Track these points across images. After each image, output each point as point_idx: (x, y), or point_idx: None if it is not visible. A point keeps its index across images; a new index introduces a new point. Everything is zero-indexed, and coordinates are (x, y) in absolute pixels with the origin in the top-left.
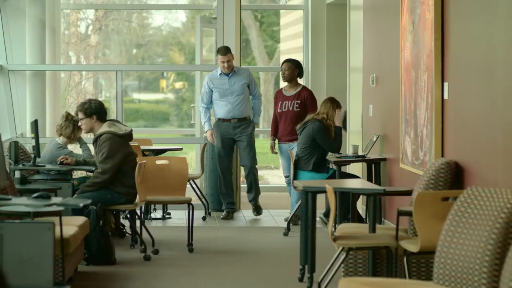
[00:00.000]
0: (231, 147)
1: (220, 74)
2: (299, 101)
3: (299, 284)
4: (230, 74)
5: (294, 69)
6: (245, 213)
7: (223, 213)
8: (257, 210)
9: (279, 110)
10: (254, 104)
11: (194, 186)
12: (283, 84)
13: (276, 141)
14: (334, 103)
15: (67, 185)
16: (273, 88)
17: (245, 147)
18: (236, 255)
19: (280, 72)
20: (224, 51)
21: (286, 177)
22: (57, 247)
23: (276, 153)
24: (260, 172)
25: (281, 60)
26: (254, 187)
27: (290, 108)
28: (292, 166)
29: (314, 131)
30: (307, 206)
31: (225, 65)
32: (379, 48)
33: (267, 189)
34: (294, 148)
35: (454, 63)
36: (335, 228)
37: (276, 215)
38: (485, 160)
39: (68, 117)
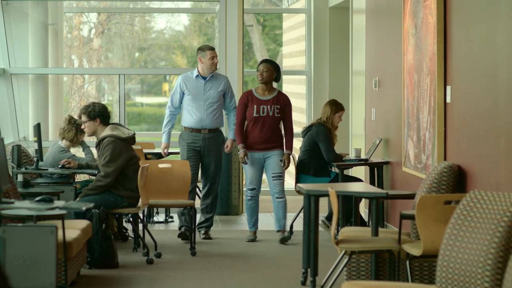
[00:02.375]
0: (198, 161)
1: (197, 76)
2: (279, 106)
3: None
4: (207, 78)
5: (272, 71)
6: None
7: (202, 233)
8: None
9: (255, 114)
10: (231, 116)
11: (196, 189)
12: (287, 87)
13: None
14: (334, 105)
15: (70, 188)
16: None
17: (211, 161)
18: (238, 259)
19: (257, 73)
20: (212, 46)
21: (251, 189)
22: (59, 251)
23: (247, 162)
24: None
25: (284, 64)
26: (211, 211)
27: (271, 113)
28: (294, 169)
29: (316, 134)
30: (310, 209)
31: (215, 60)
32: (381, 52)
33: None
34: (271, 157)
35: (457, 66)
36: (337, 232)
37: None
38: (487, 164)
39: (71, 120)
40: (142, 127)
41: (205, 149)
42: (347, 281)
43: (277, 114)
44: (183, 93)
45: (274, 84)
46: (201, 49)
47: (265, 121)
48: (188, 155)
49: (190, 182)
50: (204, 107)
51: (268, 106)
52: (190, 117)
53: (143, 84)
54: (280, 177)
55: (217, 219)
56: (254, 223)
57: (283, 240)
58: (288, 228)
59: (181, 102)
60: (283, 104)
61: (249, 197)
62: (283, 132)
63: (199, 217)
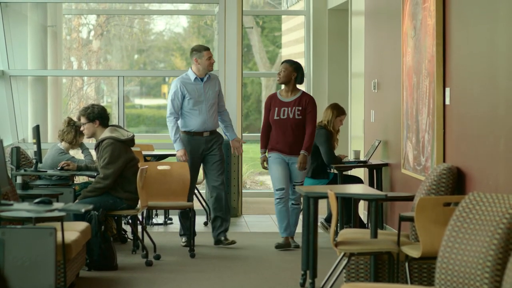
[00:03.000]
0: (199, 166)
1: (195, 78)
2: (300, 108)
3: None
4: (205, 79)
5: (291, 71)
6: (247, 218)
7: (182, 240)
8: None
9: (275, 117)
10: (225, 116)
11: (195, 191)
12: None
13: (267, 153)
14: (336, 109)
15: (69, 190)
16: None
17: (216, 162)
18: (238, 260)
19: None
20: (207, 46)
21: (280, 190)
22: (58, 253)
23: (267, 168)
24: (261, 178)
25: None
26: (226, 214)
27: (291, 116)
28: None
29: (316, 137)
30: (309, 211)
31: (212, 60)
32: (380, 54)
33: (268, 194)
34: (295, 164)
35: (456, 68)
36: (336, 234)
37: None
38: (487, 166)
39: (70, 122)
40: (141, 129)
41: (208, 151)
42: (346, 283)
43: (298, 117)
44: (184, 97)
45: (301, 86)
46: (195, 49)
47: (286, 124)
48: (190, 162)
49: (189, 184)
50: (206, 109)
51: (289, 108)
52: (191, 121)
53: (142, 86)
54: (302, 185)
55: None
56: (285, 227)
57: (282, 247)
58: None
59: (181, 106)
60: (305, 105)
61: (278, 199)
62: None
63: (200, 219)
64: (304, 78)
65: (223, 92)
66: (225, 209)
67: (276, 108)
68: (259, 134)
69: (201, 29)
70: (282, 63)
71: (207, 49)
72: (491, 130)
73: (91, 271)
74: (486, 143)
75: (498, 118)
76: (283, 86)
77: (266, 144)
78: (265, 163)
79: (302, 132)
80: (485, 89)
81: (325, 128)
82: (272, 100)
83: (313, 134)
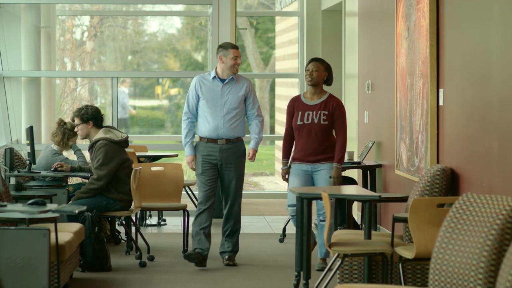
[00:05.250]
0: (216, 176)
1: (214, 77)
2: (326, 112)
3: None
4: (226, 81)
5: (323, 71)
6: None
7: (226, 258)
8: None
9: (299, 122)
10: (253, 125)
11: (189, 192)
12: (280, 90)
13: (290, 163)
14: None
15: (62, 191)
16: (269, 95)
17: (232, 177)
18: None
19: (305, 74)
20: (235, 45)
21: (290, 206)
22: (52, 254)
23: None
24: (255, 179)
25: (277, 67)
26: (235, 238)
27: (316, 120)
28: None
29: None
30: (303, 212)
31: (238, 61)
32: (374, 55)
33: (262, 196)
34: (320, 173)
35: (449, 69)
36: (330, 235)
37: (272, 221)
38: (480, 167)
39: (60, 124)
40: (134, 130)
41: (223, 162)
42: (340, 284)
43: (323, 121)
44: (199, 97)
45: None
46: (222, 47)
47: (310, 129)
48: (203, 169)
49: (182, 185)
50: (221, 114)
51: (314, 112)
52: (204, 125)
53: (135, 87)
54: None
55: (212, 221)
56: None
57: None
58: (281, 231)
59: (197, 106)
60: (332, 109)
61: (291, 216)
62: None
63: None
64: (298, 79)
65: None
66: (232, 231)
67: (300, 112)
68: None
69: (195, 30)
70: (311, 61)
71: (235, 47)
72: (485, 131)
73: (84, 272)
74: (480, 144)
75: (491, 119)
76: (308, 88)
77: (288, 154)
78: (286, 175)
79: (327, 139)
80: (478, 90)
81: None
82: (295, 103)
83: (344, 144)
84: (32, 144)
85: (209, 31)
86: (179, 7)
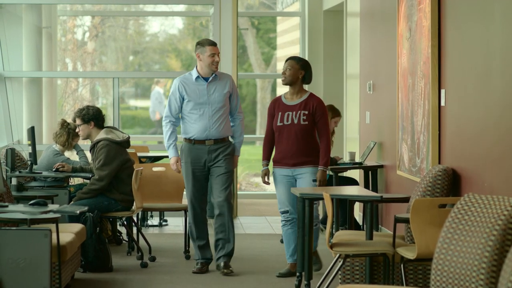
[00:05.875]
0: (206, 178)
1: (197, 77)
2: (306, 112)
3: None
4: (210, 79)
5: (298, 69)
6: (242, 220)
7: (196, 266)
8: (227, 268)
9: (279, 123)
10: (236, 126)
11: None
12: (281, 91)
13: (271, 166)
14: (330, 111)
15: (64, 192)
16: (270, 96)
17: (221, 175)
18: (233, 262)
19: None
20: (213, 41)
21: (284, 212)
22: (53, 254)
23: (268, 183)
24: (255, 179)
25: (278, 67)
26: (230, 237)
27: (296, 121)
28: None
29: None
30: (304, 213)
31: (216, 58)
32: (376, 55)
33: (263, 196)
34: (302, 176)
35: (451, 70)
36: (332, 235)
37: (273, 222)
38: (482, 167)
39: (63, 124)
40: (136, 130)
41: (212, 161)
42: (342, 284)
43: (303, 122)
44: (183, 99)
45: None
46: (200, 43)
47: (290, 130)
48: (194, 177)
49: (184, 186)
50: (209, 114)
51: (294, 113)
52: (191, 126)
53: (137, 87)
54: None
55: (210, 222)
56: (292, 253)
57: (284, 275)
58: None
59: (180, 109)
60: (313, 109)
61: (284, 222)
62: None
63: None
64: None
65: None
66: (227, 230)
67: (280, 113)
68: (254, 136)
69: (196, 30)
70: (287, 60)
71: (212, 44)
72: (486, 131)
73: (86, 273)
74: (481, 144)
75: (493, 120)
76: (288, 88)
77: (268, 156)
78: (266, 177)
79: (308, 141)
80: (480, 90)
81: None
82: (276, 104)
83: (329, 146)
84: (33, 144)
85: (210, 32)
86: (180, 8)
